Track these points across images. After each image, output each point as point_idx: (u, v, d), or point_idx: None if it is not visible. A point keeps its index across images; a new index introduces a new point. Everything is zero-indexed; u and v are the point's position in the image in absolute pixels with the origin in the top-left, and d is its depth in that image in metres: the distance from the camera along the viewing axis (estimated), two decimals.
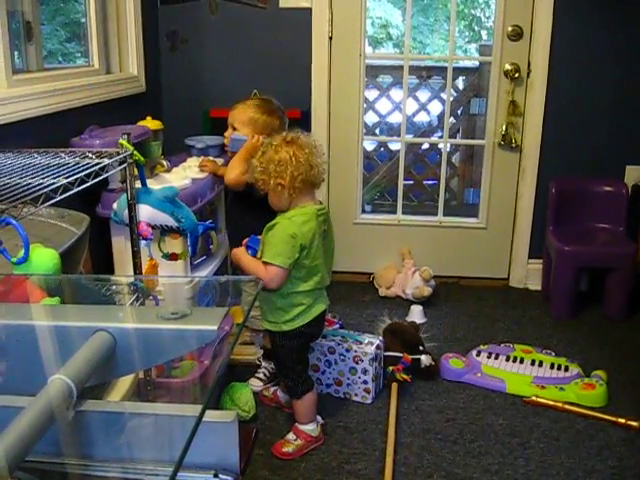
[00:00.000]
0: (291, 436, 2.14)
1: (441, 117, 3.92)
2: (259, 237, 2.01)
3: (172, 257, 1.95)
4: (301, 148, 1.95)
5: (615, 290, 3.10)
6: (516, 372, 2.56)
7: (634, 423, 2.25)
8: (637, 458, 2.10)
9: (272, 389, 2.42)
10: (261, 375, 2.52)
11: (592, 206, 3.28)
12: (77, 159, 1.59)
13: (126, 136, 1.73)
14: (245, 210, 2.37)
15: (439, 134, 3.91)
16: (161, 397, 1.98)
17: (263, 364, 2.55)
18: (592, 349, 2.82)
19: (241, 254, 2.02)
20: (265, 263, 1.94)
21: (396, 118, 4.07)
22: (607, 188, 3.28)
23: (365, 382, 2.39)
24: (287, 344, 2.07)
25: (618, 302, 3.10)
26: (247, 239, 2.04)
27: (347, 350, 2.38)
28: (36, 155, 1.67)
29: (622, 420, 2.27)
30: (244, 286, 2.14)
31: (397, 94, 4.03)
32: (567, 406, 2.36)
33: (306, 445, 2.13)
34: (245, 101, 2.48)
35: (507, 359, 2.64)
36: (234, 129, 2.43)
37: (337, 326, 2.79)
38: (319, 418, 2.19)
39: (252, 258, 2.00)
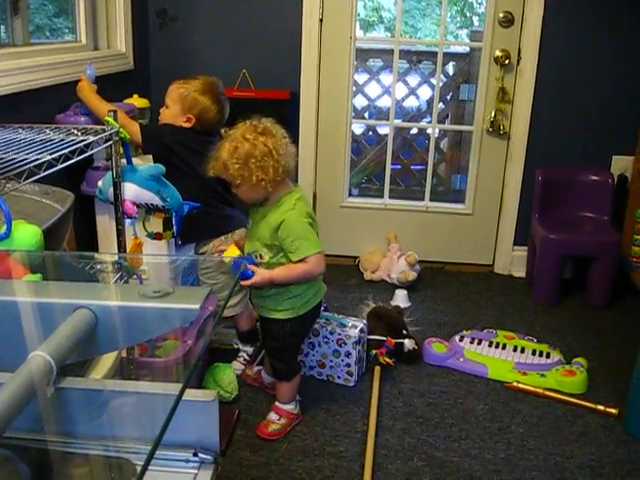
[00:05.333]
0: (274, 416, 2.14)
1: (430, 102, 3.91)
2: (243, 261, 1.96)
3: (157, 236, 1.95)
4: (276, 138, 1.88)
5: (598, 279, 3.12)
6: (498, 358, 2.58)
7: (613, 410, 2.27)
8: (615, 444, 2.13)
9: (256, 369, 2.42)
10: (241, 359, 2.51)
11: (578, 195, 3.30)
12: (62, 135, 1.57)
13: (112, 113, 1.72)
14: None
15: (428, 119, 3.90)
16: (144, 376, 1.98)
17: (241, 348, 2.54)
18: (574, 336, 2.85)
19: (266, 278, 1.93)
20: (302, 259, 1.91)
21: (385, 102, 4.05)
22: (593, 177, 3.30)
23: (348, 365, 2.40)
24: (298, 329, 2.09)
25: (601, 290, 3.13)
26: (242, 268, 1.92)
27: (331, 333, 2.39)
28: (20, 130, 1.65)
29: (601, 407, 2.29)
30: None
31: (387, 78, 4.01)
32: (548, 392, 2.39)
33: (289, 423, 2.14)
34: (186, 79, 2.37)
35: (490, 345, 2.66)
36: (166, 107, 2.35)
37: (322, 309, 2.79)
38: (297, 395, 2.21)
39: (283, 268, 1.94)
